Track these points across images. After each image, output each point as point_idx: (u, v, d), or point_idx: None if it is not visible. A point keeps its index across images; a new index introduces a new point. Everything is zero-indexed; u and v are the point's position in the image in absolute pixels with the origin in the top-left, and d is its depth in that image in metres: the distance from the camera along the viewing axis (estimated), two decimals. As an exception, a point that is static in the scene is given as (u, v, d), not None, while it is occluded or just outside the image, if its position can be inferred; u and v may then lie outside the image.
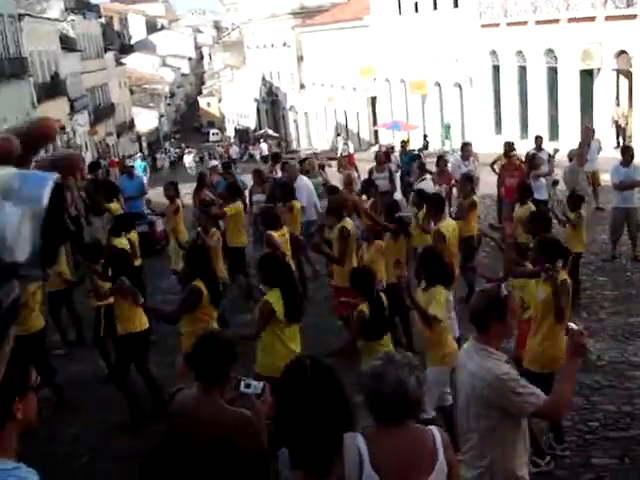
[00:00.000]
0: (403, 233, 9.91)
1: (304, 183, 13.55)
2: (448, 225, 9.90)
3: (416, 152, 21.99)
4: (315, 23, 56.12)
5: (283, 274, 7.01)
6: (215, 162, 18.21)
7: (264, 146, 49.91)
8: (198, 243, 10.10)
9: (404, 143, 20.98)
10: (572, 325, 4.15)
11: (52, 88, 45.05)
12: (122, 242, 10.23)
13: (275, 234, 9.74)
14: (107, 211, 13.20)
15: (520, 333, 7.03)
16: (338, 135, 45.16)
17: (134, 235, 11.19)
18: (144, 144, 74.37)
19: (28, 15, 44.11)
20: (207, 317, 7.45)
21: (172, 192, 12.60)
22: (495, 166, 16.27)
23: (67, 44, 50.88)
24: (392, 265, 9.40)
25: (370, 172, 16.22)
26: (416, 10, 41.70)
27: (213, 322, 7.56)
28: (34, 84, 42.11)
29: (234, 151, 52.53)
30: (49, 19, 48.72)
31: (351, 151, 29.84)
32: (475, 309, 4.41)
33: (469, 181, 12.06)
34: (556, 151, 15.30)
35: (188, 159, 50.92)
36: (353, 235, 9.79)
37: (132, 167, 18.79)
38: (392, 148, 20.81)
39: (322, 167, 16.81)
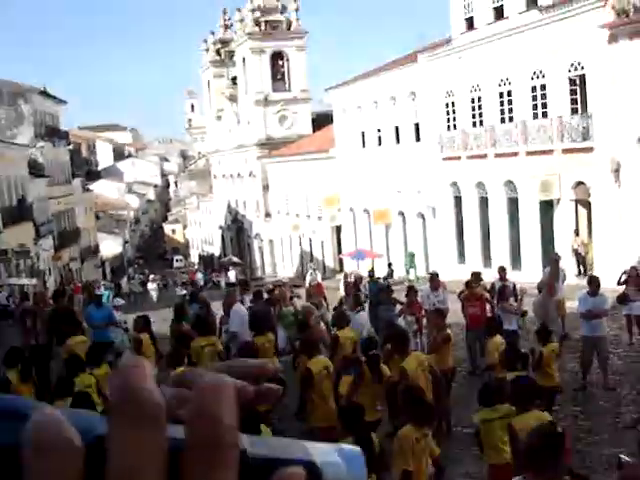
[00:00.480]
0: (376, 372, 9.53)
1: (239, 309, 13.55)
2: (411, 361, 9.53)
3: (383, 281, 22.12)
4: (281, 154, 57.51)
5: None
6: (184, 291, 18.05)
7: (232, 273, 49.99)
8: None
9: (372, 272, 21.15)
10: (624, 457, 3.94)
11: (18, 212, 45.03)
12: (85, 380, 9.74)
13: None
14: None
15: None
16: (310, 262, 45.54)
17: (104, 368, 10.72)
18: (107, 269, 74.09)
19: (0, 141, 44.63)
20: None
21: (140, 326, 12.36)
22: (462, 296, 16.44)
23: (35, 169, 51.25)
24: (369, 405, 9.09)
25: (340, 302, 16.21)
26: (379, 143, 43.02)
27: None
28: (1, 207, 42.11)
29: (199, 277, 52.49)
30: (19, 145, 49.25)
31: (319, 280, 29.95)
32: (532, 447, 4.17)
33: (441, 315, 12.11)
34: (524, 292, 15.24)
35: (152, 286, 50.60)
36: (324, 374, 9.45)
37: (100, 296, 18.59)
38: (360, 278, 20.95)
39: (292, 298, 16.79)
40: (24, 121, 53.47)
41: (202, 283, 49.45)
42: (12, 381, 10.34)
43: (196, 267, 78.22)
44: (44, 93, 56.66)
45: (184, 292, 22.29)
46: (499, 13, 32.67)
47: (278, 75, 63.90)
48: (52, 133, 58.17)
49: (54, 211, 54.78)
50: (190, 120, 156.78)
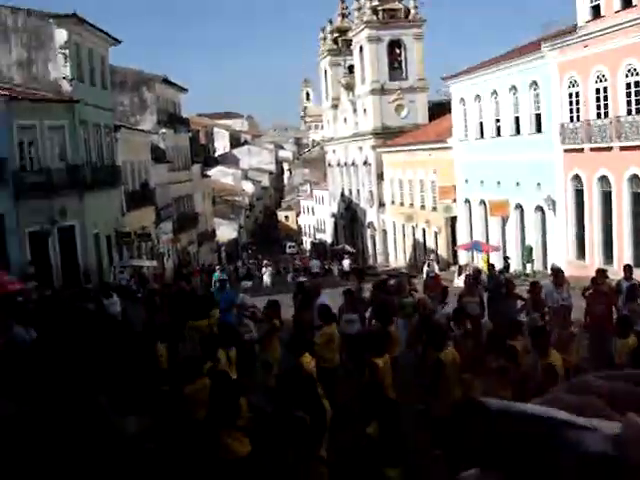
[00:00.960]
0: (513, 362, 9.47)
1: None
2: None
3: (503, 276, 21.74)
4: (396, 143, 57.29)
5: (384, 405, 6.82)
6: (304, 279, 18.15)
7: (346, 262, 50.15)
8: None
9: (492, 265, 20.82)
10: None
11: (141, 196, 46.67)
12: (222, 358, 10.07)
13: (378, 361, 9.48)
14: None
15: None
16: (429, 254, 45.48)
17: (233, 350, 11.01)
18: (223, 254, 75.76)
19: (123, 126, 46.28)
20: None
21: (272, 310, 12.53)
22: (586, 293, 15.91)
23: (157, 155, 52.89)
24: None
25: (459, 297, 15.99)
26: (498, 134, 42.24)
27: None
28: (125, 192, 43.73)
29: (315, 265, 52.82)
30: (143, 131, 50.95)
31: (437, 271, 29.66)
32: None
33: (568, 312, 11.82)
34: None
35: (265, 272, 50.61)
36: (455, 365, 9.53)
37: (225, 280, 19.09)
38: (478, 271, 20.65)
39: (411, 290, 16.66)
40: (148, 108, 55.20)
41: (317, 270, 49.79)
42: (162, 355, 10.97)
43: (308, 254, 79.02)
44: (166, 81, 58.31)
45: (304, 279, 22.37)
46: (627, 1, 31.46)
47: (395, 64, 63.63)
48: (173, 120, 59.85)
49: (174, 195, 56.43)
50: (305, 108, 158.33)
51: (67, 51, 37.76)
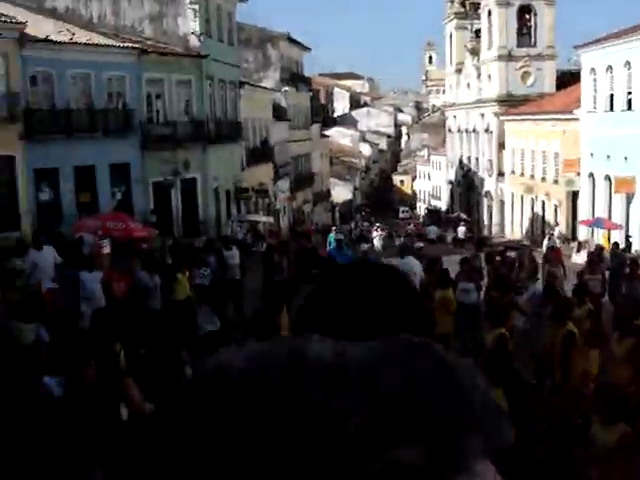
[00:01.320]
0: None
1: None
2: None
3: (626, 255, 21.00)
4: (520, 112, 55.81)
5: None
6: (420, 244, 18.01)
7: (461, 229, 49.48)
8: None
9: (617, 244, 20.13)
10: None
11: (261, 153, 47.32)
12: None
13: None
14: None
15: None
16: (553, 227, 44.45)
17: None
18: (337, 215, 76.16)
19: (247, 83, 46.86)
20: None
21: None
22: None
23: (278, 113, 53.39)
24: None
25: (580, 274, 15.52)
26: (629, 107, 40.51)
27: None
28: (245, 148, 44.44)
29: (432, 231, 52.24)
30: (265, 88, 51.47)
31: (557, 245, 28.88)
32: None
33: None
34: None
35: (376, 235, 49.56)
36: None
37: (341, 240, 19.24)
38: (601, 248, 20.00)
39: (533, 262, 16.26)
40: (271, 66, 55.64)
41: (433, 237, 49.24)
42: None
43: (421, 220, 78.46)
44: (290, 39, 58.53)
45: (421, 245, 22.22)
46: None
47: (524, 30, 61.71)
48: (295, 78, 60.16)
49: (293, 154, 56.94)
50: (427, 72, 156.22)
51: (197, 6, 38.39)
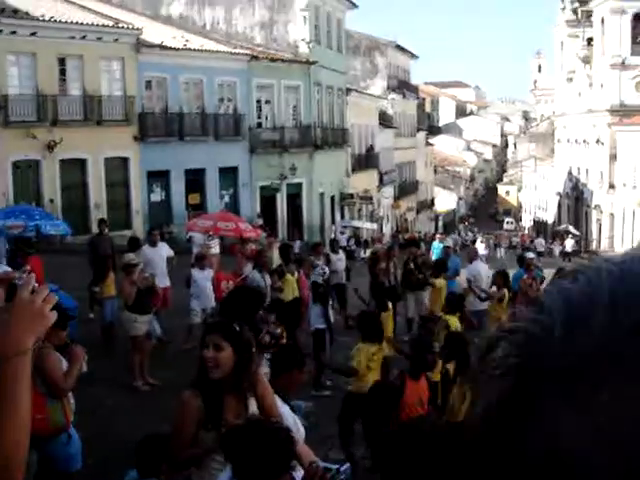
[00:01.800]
0: None
1: None
2: None
3: None
4: (634, 122, 53.98)
5: None
6: (531, 255, 17.56)
7: (569, 242, 48.17)
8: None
9: None
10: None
11: (366, 160, 47.37)
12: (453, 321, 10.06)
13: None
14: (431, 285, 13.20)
15: None
16: None
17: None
18: (440, 223, 75.46)
19: (354, 90, 47.00)
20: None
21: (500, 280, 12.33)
22: None
23: (384, 120, 53.34)
24: None
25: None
26: None
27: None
28: (351, 154, 44.59)
29: (539, 243, 51.07)
30: (372, 95, 51.51)
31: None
32: None
33: None
34: None
35: (480, 245, 48.40)
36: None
37: (448, 247, 19.06)
38: None
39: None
40: (378, 73, 55.65)
41: (541, 249, 48.12)
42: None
43: (527, 231, 76.82)
44: (398, 47, 58.41)
45: (532, 256, 21.55)
46: None
47: (638, 38, 59.74)
48: (402, 86, 59.99)
49: (398, 161, 56.77)
50: (536, 81, 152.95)
51: (307, 13, 38.75)
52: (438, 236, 38.07)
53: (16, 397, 1.85)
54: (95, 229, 21.38)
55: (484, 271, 15.36)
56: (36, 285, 2.05)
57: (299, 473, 3.48)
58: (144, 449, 4.85)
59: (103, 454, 7.87)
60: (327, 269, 13.90)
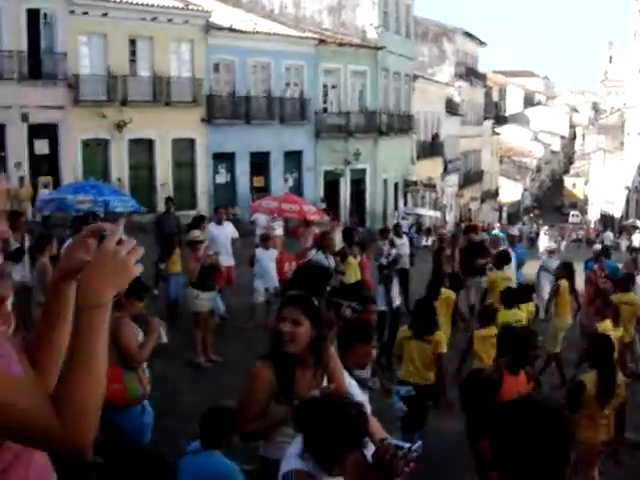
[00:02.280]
0: None
1: None
2: None
3: None
4: None
5: None
6: (599, 246, 17.16)
7: (637, 237, 46.98)
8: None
9: None
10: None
11: (431, 147, 46.98)
12: (515, 314, 9.83)
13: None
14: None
15: None
16: None
17: (530, 307, 10.74)
18: (504, 214, 74.46)
19: (421, 77, 46.59)
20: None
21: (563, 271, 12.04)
22: None
23: (451, 108, 52.77)
24: None
25: None
26: None
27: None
28: (416, 141, 44.25)
29: (608, 237, 49.94)
30: (440, 82, 50.99)
31: None
32: None
33: None
34: None
35: (544, 239, 47.33)
36: None
37: (515, 237, 18.80)
38: None
39: None
40: (446, 60, 55.04)
41: (608, 243, 47.08)
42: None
43: (592, 225, 75.30)
44: (467, 34, 57.66)
45: (598, 247, 21.14)
46: None
47: None
48: (470, 74, 59.26)
49: (463, 150, 56.16)
50: (606, 72, 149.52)
51: (376, -2, 38.52)
52: (497, 225, 37.69)
53: (91, 349, 1.81)
54: (161, 208, 21.67)
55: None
56: (124, 237, 1.97)
57: (369, 449, 3.43)
58: (208, 421, 4.88)
59: (167, 426, 7.96)
60: (393, 251, 13.80)
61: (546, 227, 56.87)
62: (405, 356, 8.20)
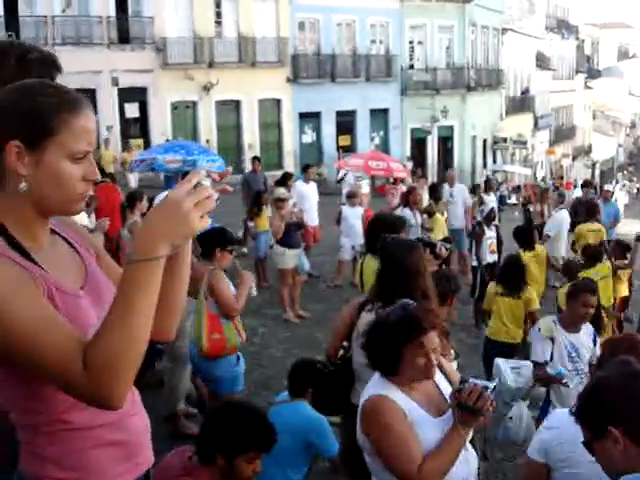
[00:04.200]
0: None
1: None
2: None
3: None
4: None
5: None
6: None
7: None
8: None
9: None
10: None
11: (520, 103, 45.86)
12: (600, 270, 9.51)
13: None
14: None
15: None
16: None
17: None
18: (597, 172, 72.31)
19: (511, 30, 45.34)
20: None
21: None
22: None
23: (541, 62, 51.30)
24: None
25: None
26: None
27: None
28: (505, 96, 43.25)
29: None
30: (530, 36, 49.55)
31: None
32: None
33: None
34: None
35: (621, 195, 45.49)
36: None
37: (608, 192, 18.24)
38: None
39: None
40: (536, 12, 53.35)
41: None
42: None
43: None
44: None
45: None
46: None
47: None
48: (561, 26, 57.41)
49: (554, 105, 54.63)
50: None
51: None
52: (583, 181, 36.44)
53: (130, 304, 1.69)
54: (248, 169, 21.85)
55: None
56: (204, 183, 1.75)
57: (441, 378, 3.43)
58: (296, 372, 4.94)
59: (257, 379, 8.10)
60: (484, 207, 13.59)
61: (624, 181, 54.96)
62: (495, 312, 8.08)
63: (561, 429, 3.28)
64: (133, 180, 22.31)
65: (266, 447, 3.62)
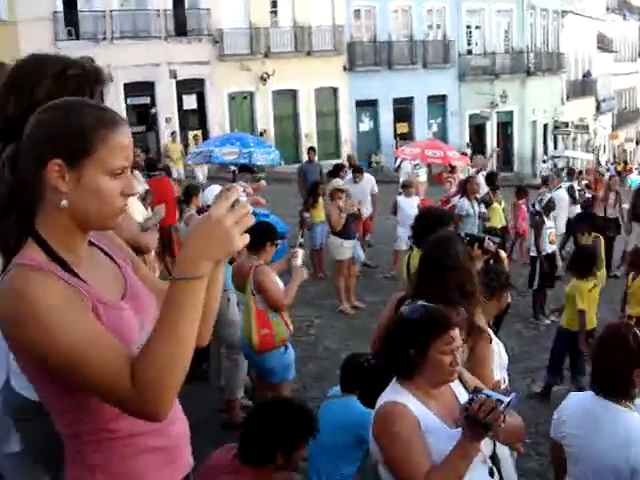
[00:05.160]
0: None
1: None
2: None
3: None
4: None
5: None
6: None
7: None
8: None
9: None
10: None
11: (582, 86, 44.96)
12: None
13: None
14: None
15: None
16: None
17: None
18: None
19: (571, 12, 44.42)
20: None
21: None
22: None
23: (603, 44, 50.18)
24: None
25: None
26: None
27: None
28: (566, 80, 42.46)
29: None
30: (591, 17, 48.47)
31: None
32: None
33: None
34: None
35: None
36: None
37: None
38: None
39: None
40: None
41: None
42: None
43: None
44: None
45: None
46: None
47: None
48: (623, 7, 56.00)
49: (617, 88, 53.39)
50: None
51: None
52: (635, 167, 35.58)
53: (177, 320, 1.72)
54: (305, 159, 21.87)
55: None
56: (242, 199, 1.76)
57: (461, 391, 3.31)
58: (347, 367, 4.93)
59: (313, 370, 8.14)
60: (547, 195, 13.34)
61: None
62: (567, 302, 7.94)
63: (565, 408, 3.66)
64: (201, 174, 22.41)
65: (313, 434, 3.88)
